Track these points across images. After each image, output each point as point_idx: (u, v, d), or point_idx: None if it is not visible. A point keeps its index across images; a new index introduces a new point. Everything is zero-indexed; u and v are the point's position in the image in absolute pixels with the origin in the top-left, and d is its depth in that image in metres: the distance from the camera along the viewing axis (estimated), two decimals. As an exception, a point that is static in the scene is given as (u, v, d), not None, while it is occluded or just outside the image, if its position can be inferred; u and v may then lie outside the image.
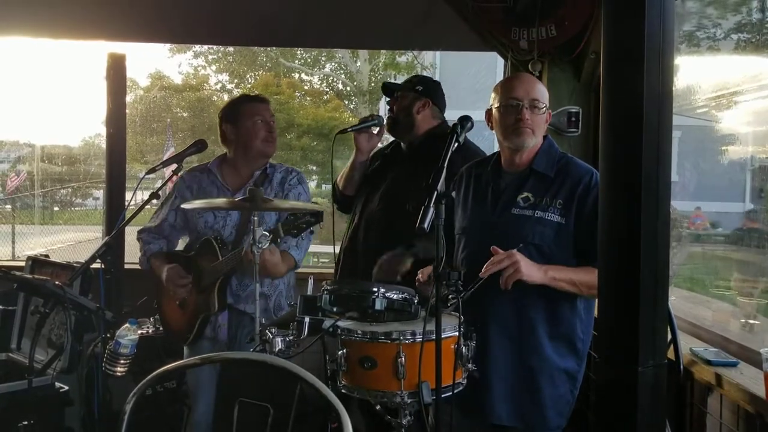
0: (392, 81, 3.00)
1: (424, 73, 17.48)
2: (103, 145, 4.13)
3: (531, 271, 2.01)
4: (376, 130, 2.89)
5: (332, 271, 3.10)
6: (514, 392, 2.14)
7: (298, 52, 21.60)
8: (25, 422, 2.42)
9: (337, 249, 3.03)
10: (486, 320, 2.11)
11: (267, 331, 2.04)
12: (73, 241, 13.82)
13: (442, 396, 1.84)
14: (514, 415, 2.14)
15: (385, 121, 2.90)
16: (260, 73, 22.04)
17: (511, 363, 2.14)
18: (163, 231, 2.85)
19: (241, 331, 2.69)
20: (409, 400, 1.90)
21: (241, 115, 2.76)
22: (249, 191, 2.31)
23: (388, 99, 2.98)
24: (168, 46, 20.99)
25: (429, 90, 2.91)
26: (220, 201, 2.61)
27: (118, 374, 2.35)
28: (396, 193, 2.72)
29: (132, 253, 3.90)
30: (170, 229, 2.85)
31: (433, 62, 17.42)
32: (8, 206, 16.17)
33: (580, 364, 2.18)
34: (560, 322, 2.14)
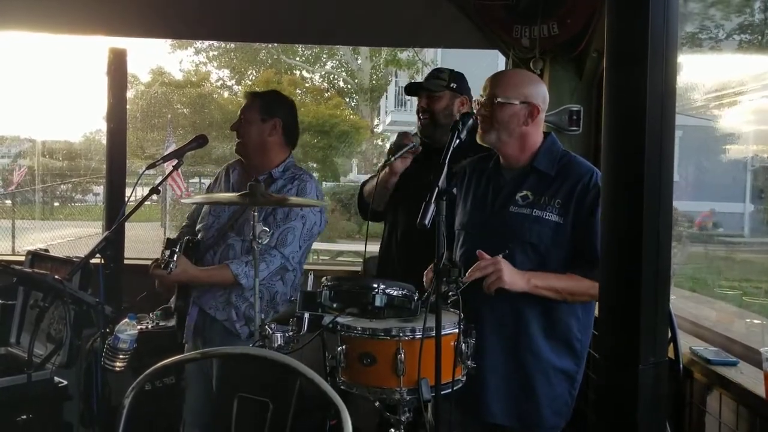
0: (415, 81, 2.80)
1: (425, 71, 17.46)
2: (104, 141, 4.13)
3: (514, 279, 2.00)
4: (412, 150, 2.69)
5: (332, 268, 3.11)
6: (508, 391, 2.13)
7: (300, 49, 21.62)
8: (24, 416, 2.41)
9: (339, 247, 3.04)
10: (481, 318, 2.10)
11: (266, 326, 2.04)
12: (73, 236, 13.84)
13: (442, 393, 1.83)
14: (508, 413, 2.13)
15: (417, 144, 2.69)
16: (261, 69, 22.06)
17: (505, 361, 2.13)
18: (192, 220, 2.91)
19: (210, 336, 2.67)
20: (408, 397, 1.90)
21: None
22: (249, 186, 2.29)
23: (420, 100, 2.82)
24: (169, 42, 21.02)
25: (463, 86, 2.82)
26: (218, 196, 2.61)
27: (117, 369, 2.34)
28: None
29: (131, 249, 3.92)
30: (195, 219, 2.89)
31: (435, 60, 17.43)
32: (8, 201, 16.18)
33: (578, 365, 2.17)
34: (556, 321, 2.13)
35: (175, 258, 2.47)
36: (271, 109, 2.71)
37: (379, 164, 3.02)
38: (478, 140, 2.20)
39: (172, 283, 2.61)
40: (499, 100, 2.12)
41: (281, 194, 2.62)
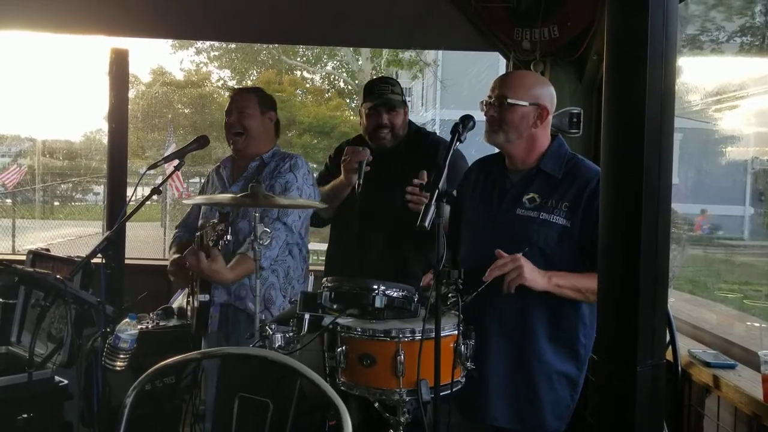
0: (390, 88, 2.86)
1: (427, 72, 17.48)
2: (104, 141, 4.16)
3: (534, 277, 1.99)
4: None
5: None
6: (510, 394, 2.12)
7: (300, 49, 21.61)
8: (25, 415, 2.42)
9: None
10: (486, 320, 2.09)
11: (267, 327, 2.05)
12: (73, 236, 13.85)
13: (441, 394, 1.84)
14: (510, 416, 2.13)
15: (369, 155, 2.73)
16: (262, 70, 22.06)
17: (509, 364, 2.12)
18: (189, 222, 2.95)
19: (235, 327, 2.71)
20: (407, 398, 1.90)
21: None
22: (251, 187, 2.31)
23: (380, 114, 2.83)
24: (170, 42, 21.02)
25: (404, 96, 2.92)
26: (220, 197, 2.63)
27: (118, 369, 2.35)
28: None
29: (132, 249, 3.92)
30: (194, 219, 2.93)
31: (436, 60, 17.43)
32: (9, 200, 16.17)
33: (581, 369, 2.16)
34: (561, 325, 2.12)
35: (230, 232, 2.40)
36: (266, 103, 2.87)
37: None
38: (485, 140, 2.19)
39: (208, 272, 2.50)
40: (509, 101, 2.12)
41: (276, 173, 2.73)
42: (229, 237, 2.41)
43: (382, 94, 2.86)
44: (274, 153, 2.84)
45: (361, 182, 2.68)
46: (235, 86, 22.11)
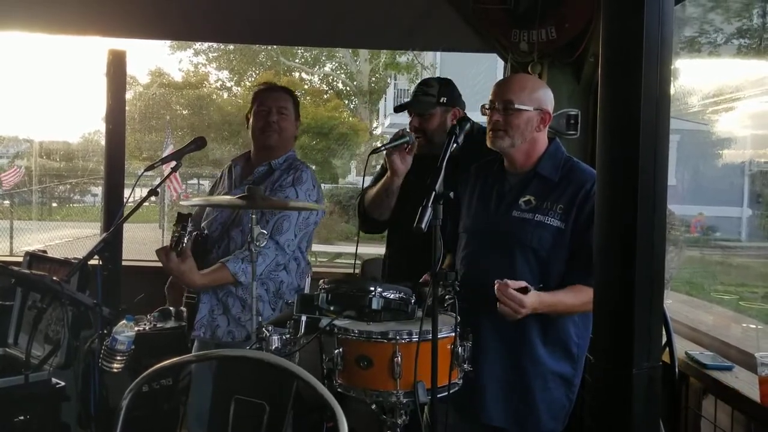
0: (422, 97, 2.67)
1: (424, 74, 17.48)
2: (102, 142, 4.15)
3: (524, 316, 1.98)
4: (407, 147, 2.55)
5: (331, 270, 3.10)
6: (506, 394, 2.14)
7: (299, 51, 21.64)
8: (22, 417, 2.42)
9: (337, 249, 3.02)
10: (480, 321, 2.10)
11: (264, 329, 2.05)
12: (71, 237, 13.83)
13: (438, 396, 1.84)
14: (506, 416, 2.14)
15: (413, 139, 2.55)
16: (260, 71, 22.07)
17: (503, 365, 2.14)
18: (197, 220, 2.91)
19: (219, 330, 2.70)
20: (404, 400, 1.90)
21: (253, 102, 2.79)
22: (248, 189, 2.31)
23: (412, 118, 2.71)
24: (168, 43, 21.03)
25: (452, 98, 2.72)
26: (215, 199, 2.63)
27: (115, 370, 2.34)
28: None
29: (129, 250, 3.91)
30: (198, 222, 2.90)
31: (434, 63, 17.46)
32: (6, 202, 16.15)
33: (576, 369, 2.17)
34: (554, 325, 2.13)
35: (186, 233, 2.41)
36: (298, 108, 2.83)
37: (378, 166, 2.99)
38: (489, 145, 2.20)
39: (176, 273, 2.52)
40: (516, 106, 2.13)
41: (279, 184, 2.67)
42: (185, 241, 2.40)
43: (414, 97, 2.73)
44: (286, 158, 2.77)
45: (385, 148, 2.45)
46: (233, 87, 22.12)
